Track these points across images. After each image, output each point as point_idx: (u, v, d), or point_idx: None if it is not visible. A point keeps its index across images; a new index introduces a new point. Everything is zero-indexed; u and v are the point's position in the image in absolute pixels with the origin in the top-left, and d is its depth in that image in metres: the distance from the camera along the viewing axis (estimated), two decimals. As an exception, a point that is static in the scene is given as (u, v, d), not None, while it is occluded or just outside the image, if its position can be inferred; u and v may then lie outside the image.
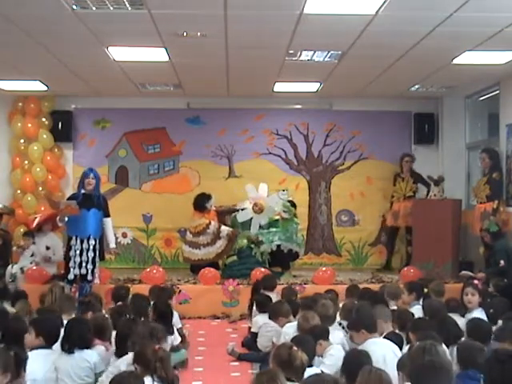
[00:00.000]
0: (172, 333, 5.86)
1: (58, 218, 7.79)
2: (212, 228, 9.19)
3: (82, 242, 7.54)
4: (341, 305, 6.18)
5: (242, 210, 9.36)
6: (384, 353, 4.36)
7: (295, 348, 4.02)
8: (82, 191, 7.71)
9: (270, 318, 6.30)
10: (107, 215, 7.86)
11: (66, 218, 7.57)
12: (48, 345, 4.72)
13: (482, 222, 8.42)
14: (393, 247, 10.42)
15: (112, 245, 7.97)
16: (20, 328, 4.75)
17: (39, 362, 4.51)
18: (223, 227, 9.25)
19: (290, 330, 5.68)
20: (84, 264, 7.48)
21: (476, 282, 6.98)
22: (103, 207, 7.78)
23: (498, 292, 6.77)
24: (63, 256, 8.02)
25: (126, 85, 9.38)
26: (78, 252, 7.50)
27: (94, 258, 7.54)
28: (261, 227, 9.24)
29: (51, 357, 4.67)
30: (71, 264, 7.51)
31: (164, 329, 5.15)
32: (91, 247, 7.53)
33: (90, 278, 7.52)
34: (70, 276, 7.50)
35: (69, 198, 7.93)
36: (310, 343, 4.57)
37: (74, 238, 7.57)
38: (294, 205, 9.65)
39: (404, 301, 6.54)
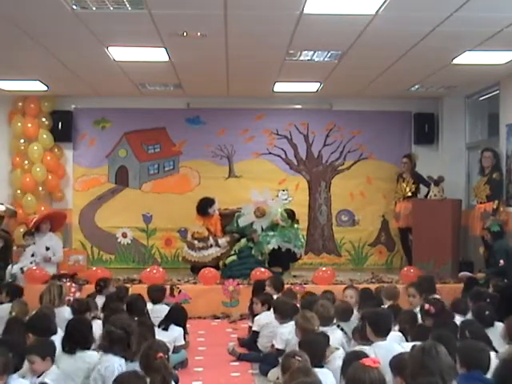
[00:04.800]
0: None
1: None
2: (210, 241, 9.33)
3: None
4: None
5: (244, 214, 9.38)
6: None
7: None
8: None
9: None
10: None
11: None
12: None
13: (484, 221, 8.41)
14: (409, 248, 9.88)
15: None
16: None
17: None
18: (221, 240, 9.36)
19: (285, 329, 5.68)
20: None
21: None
22: None
23: (498, 292, 6.74)
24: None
25: (126, 85, 9.38)
26: None
27: None
28: (262, 230, 9.27)
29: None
30: None
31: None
32: None
33: None
34: None
35: None
36: (321, 344, 4.55)
37: None
38: (293, 214, 9.49)
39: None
